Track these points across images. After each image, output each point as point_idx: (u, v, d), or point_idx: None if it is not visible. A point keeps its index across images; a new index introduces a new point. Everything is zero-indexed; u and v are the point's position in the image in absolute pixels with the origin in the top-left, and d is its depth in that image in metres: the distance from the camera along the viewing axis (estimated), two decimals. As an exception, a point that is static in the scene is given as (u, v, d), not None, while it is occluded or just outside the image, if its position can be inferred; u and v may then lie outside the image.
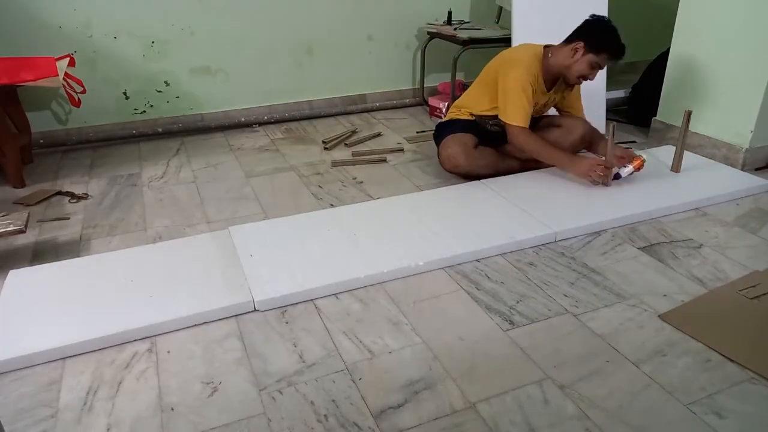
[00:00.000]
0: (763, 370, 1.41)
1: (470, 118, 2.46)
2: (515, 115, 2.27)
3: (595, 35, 2.22)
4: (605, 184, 2.29)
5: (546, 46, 2.33)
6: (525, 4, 2.98)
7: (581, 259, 1.91)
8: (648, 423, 1.28)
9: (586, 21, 2.26)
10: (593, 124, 2.99)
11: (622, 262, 1.90)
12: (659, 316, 1.62)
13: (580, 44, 2.22)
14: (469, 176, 2.42)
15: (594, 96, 3.02)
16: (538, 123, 2.49)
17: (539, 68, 2.29)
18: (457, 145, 2.36)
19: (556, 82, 2.38)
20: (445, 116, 2.63)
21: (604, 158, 2.29)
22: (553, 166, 2.43)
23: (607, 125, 3.00)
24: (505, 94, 2.28)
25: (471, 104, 2.47)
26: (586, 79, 2.29)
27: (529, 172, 2.47)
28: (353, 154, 2.84)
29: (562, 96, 2.48)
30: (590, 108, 3.01)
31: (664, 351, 1.49)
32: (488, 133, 2.44)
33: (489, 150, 2.44)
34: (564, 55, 2.26)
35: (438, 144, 2.50)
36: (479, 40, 3.22)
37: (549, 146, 2.32)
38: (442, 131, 2.48)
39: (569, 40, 2.28)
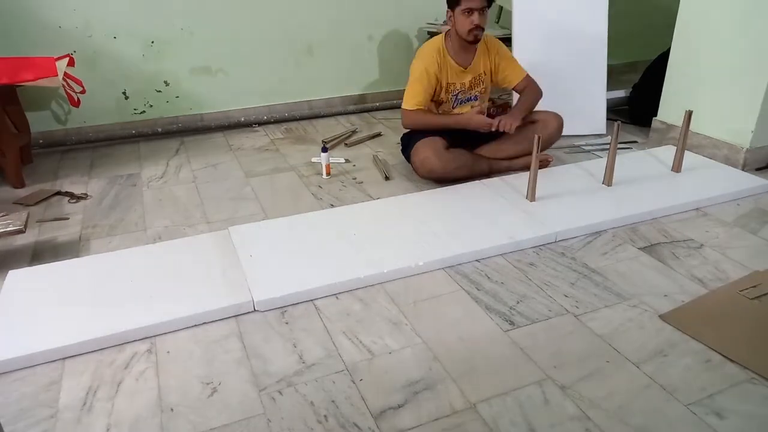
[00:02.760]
0: (763, 370, 1.41)
1: None
2: (407, 100, 2.41)
3: None
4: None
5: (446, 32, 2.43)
6: (525, 4, 2.98)
7: (582, 260, 1.91)
8: (648, 423, 1.27)
9: None
10: (593, 124, 3.03)
11: (622, 262, 1.89)
12: (659, 316, 1.62)
13: (448, 11, 2.33)
14: (444, 180, 2.39)
15: (594, 96, 3.02)
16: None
17: (439, 52, 2.37)
18: (429, 149, 2.34)
19: (473, 56, 2.42)
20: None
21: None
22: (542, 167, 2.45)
23: (609, 125, 3.01)
24: (408, 83, 2.42)
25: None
26: (477, 30, 2.29)
27: (527, 173, 2.47)
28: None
29: (494, 68, 2.48)
30: (590, 108, 3.03)
31: (665, 351, 1.49)
32: (458, 133, 2.43)
33: (461, 151, 2.43)
34: (451, 29, 2.37)
35: (407, 155, 2.49)
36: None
37: (434, 115, 2.43)
38: (410, 141, 2.46)
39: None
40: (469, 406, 1.33)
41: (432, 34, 3.44)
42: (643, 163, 2.59)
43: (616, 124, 2.28)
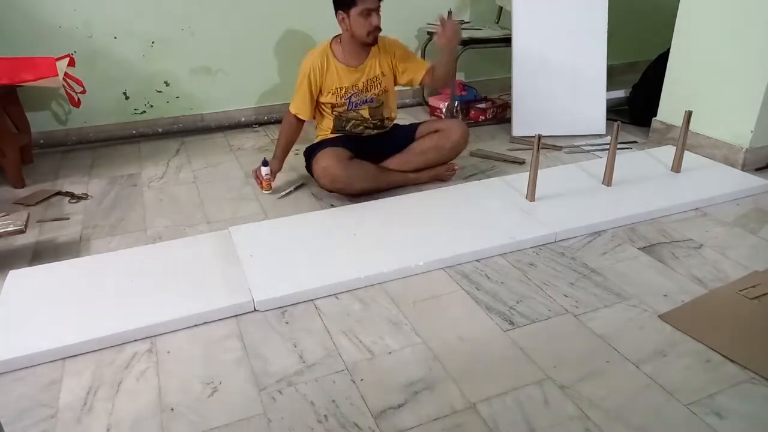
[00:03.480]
0: (763, 370, 1.41)
1: (337, 134, 2.40)
2: (291, 103, 2.38)
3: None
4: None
5: (336, 35, 2.35)
6: (525, 4, 2.98)
7: (581, 260, 1.91)
8: (648, 423, 1.28)
9: None
10: (593, 124, 3.03)
11: (622, 262, 1.90)
12: (659, 316, 1.62)
13: (340, 14, 2.22)
14: (348, 191, 2.29)
15: (594, 96, 3.03)
16: (414, 133, 2.46)
17: (324, 58, 2.29)
18: (331, 157, 2.23)
19: (365, 57, 2.33)
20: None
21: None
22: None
23: (609, 125, 3.01)
24: (296, 87, 2.38)
25: (320, 127, 2.46)
26: (375, 30, 2.23)
27: (527, 173, 2.47)
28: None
29: (395, 69, 2.39)
30: (590, 108, 3.03)
31: (665, 351, 1.49)
32: (362, 146, 2.37)
33: (366, 163, 2.33)
34: (345, 33, 2.27)
35: (310, 168, 2.37)
36: (479, 40, 3.22)
37: (281, 138, 2.43)
38: (313, 152, 2.35)
39: (336, 16, 2.26)
40: (469, 406, 1.33)
41: (432, 35, 3.44)
42: (643, 163, 2.59)
43: (615, 124, 2.28)
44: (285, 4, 3.21)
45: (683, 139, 2.43)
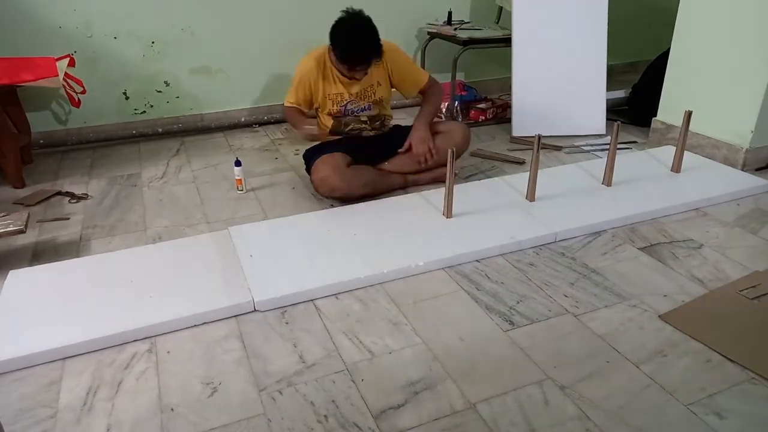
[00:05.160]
0: (763, 370, 1.41)
1: (336, 137, 2.37)
2: (287, 97, 2.36)
3: (332, 41, 2.17)
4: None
5: None
6: (525, 4, 2.98)
7: (581, 260, 1.91)
8: (648, 423, 1.28)
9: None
10: (593, 124, 3.03)
11: (622, 262, 1.90)
12: (659, 316, 1.62)
13: (331, 45, 2.19)
14: (348, 199, 2.26)
15: (594, 96, 3.03)
16: (406, 134, 2.41)
17: (320, 63, 2.27)
18: (328, 166, 2.19)
19: None
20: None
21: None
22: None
23: (609, 125, 3.01)
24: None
25: (319, 123, 2.43)
26: (354, 77, 2.24)
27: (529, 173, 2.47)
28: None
29: (392, 77, 2.37)
30: (590, 108, 3.03)
31: (665, 351, 1.49)
32: (361, 147, 2.33)
33: (365, 167, 2.30)
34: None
35: (310, 171, 2.33)
36: (479, 41, 3.22)
37: (299, 120, 2.33)
38: (312, 156, 2.31)
39: None
40: (469, 406, 1.33)
41: (432, 35, 3.44)
42: (643, 164, 2.59)
43: (615, 124, 2.27)
44: (285, 4, 3.21)
45: (683, 139, 2.43)
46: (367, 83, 2.32)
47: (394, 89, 2.46)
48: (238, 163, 2.43)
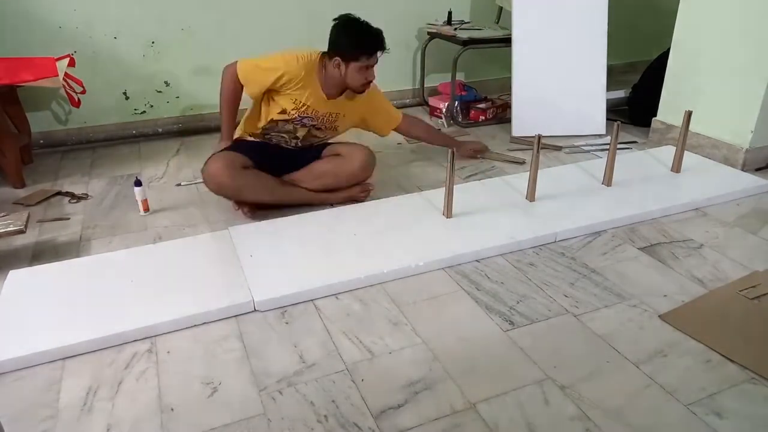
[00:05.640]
0: (763, 370, 1.41)
1: (254, 139, 2.27)
2: (241, 65, 2.18)
3: (341, 46, 2.10)
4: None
5: (324, 54, 2.18)
6: (525, 4, 2.98)
7: (581, 260, 1.91)
8: (648, 423, 1.28)
9: (331, 29, 2.13)
10: (593, 124, 3.03)
11: (622, 262, 1.90)
12: (659, 316, 1.62)
13: (337, 59, 2.10)
14: (238, 200, 2.18)
15: (594, 96, 3.03)
16: (321, 151, 2.33)
17: (311, 70, 2.14)
18: (220, 163, 2.07)
19: (344, 92, 2.23)
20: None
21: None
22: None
23: (609, 125, 3.01)
24: (260, 59, 2.19)
25: (248, 122, 2.30)
26: (369, 84, 2.18)
27: (529, 173, 2.47)
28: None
29: (366, 116, 2.34)
30: (590, 108, 3.03)
31: (664, 351, 1.49)
32: (269, 155, 2.23)
33: (265, 174, 2.17)
34: (335, 71, 2.13)
35: None
36: (479, 41, 3.22)
37: (224, 108, 2.20)
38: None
39: (329, 54, 2.14)
40: (469, 406, 1.33)
41: (432, 35, 3.44)
42: (643, 164, 2.59)
43: (615, 124, 2.28)
44: (284, 4, 3.21)
45: (683, 139, 2.43)
46: (336, 109, 2.24)
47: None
48: (138, 184, 2.27)
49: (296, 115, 2.20)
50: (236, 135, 2.33)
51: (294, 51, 2.18)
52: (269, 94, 2.20)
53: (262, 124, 2.25)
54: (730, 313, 1.64)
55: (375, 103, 2.36)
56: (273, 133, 2.28)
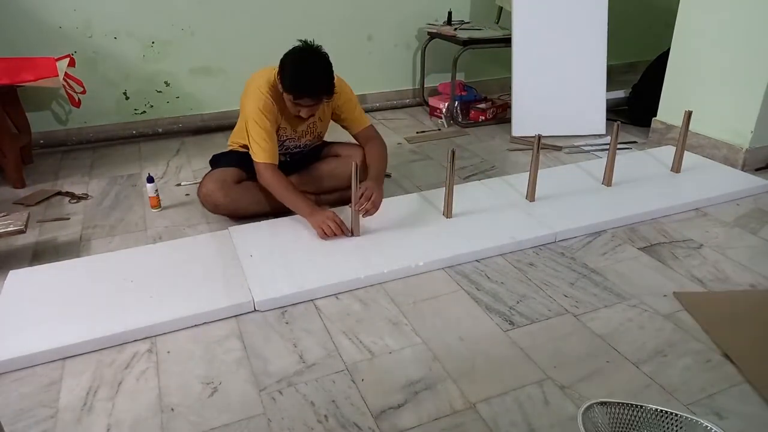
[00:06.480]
0: (754, 376, 1.39)
1: (244, 150, 2.18)
2: (258, 152, 2.02)
3: (281, 72, 1.95)
4: (346, 234, 2.01)
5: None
6: (525, 4, 2.98)
7: (581, 260, 1.91)
8: (648, 423, 1.28)
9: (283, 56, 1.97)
10: (593, 125, 3.03)
11: (622, 262, 1.90)
12: (673, 293, 1.61)
13: (279, 72, 1.96)
14: (234, 216, 2.17)
15: (594, 96, 3.03)
16: (320, 152, 2.31)
17: (271, 92, 2.02)
18: (213, 182, 2.10)
19: None
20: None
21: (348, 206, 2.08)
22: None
23: (609, 125, 3.01)
24: (248, 129, 2.04)
25: (237, 136, 2.23)
26: (305, 116, 2.02)
27: (527, 173, 2.47)
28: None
29: (336, 111, 2.19)
30: (590, 108, 3.03)
31: (665, 351, 1.49)
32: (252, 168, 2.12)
33: (256, 185, 2.12)
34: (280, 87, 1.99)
35: None
36: (479, 41, 3.22)
37: (291, 192, 2.04)
38: (217, 162, 2.25)
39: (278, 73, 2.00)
40: (469, 406, 1.33)
41: (432, 35, 3.44)
42: (643, 164, 2.59)
43: (615, 124, 2.28)
44: (285, 4, 3.21)
45: (683, 139, 2.43)
46: (309, 119, 2.13)
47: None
48: (150, 180, 2.27)
49: (278, 142, 2.13)
50: (228, 148, 2.30)
51: (256, 82, 2.04)
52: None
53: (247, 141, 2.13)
54: (745, 315, 1.61)
55: (343, 100, 2.16)
56: None
